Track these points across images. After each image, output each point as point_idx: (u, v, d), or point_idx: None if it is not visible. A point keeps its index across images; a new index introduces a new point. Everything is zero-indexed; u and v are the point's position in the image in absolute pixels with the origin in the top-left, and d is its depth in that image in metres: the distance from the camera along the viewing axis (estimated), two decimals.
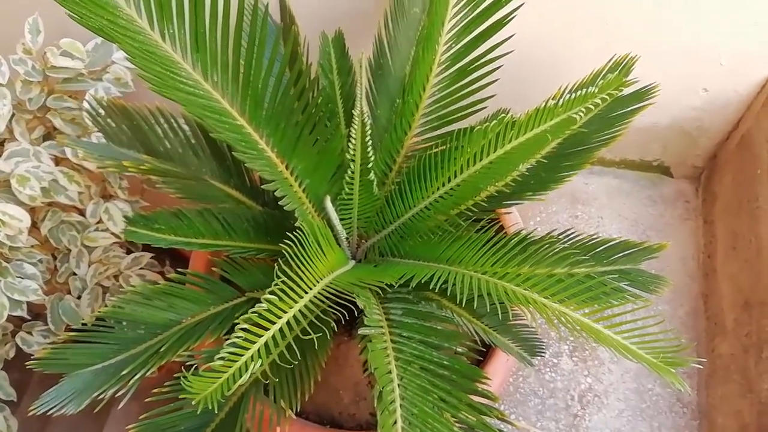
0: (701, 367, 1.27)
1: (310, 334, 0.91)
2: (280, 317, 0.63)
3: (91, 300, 1.24)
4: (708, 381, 1.28)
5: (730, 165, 1.36)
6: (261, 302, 0.62)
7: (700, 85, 1.26)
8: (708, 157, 1.45)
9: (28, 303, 1.13)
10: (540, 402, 1.26)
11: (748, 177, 1.25)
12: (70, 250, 1.21)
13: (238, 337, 0.58)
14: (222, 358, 0.57)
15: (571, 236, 0.91)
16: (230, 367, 0.57)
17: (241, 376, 0.57)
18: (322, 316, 0.93)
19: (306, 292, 0.69)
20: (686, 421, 1.25)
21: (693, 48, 1.17)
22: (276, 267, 0.66)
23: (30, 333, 1.22)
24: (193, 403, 0.57)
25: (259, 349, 0.59)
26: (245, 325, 0.59)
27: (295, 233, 0.73)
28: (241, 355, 0.58)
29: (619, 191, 1.50)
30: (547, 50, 1.19)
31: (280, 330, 0.63)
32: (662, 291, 0.91)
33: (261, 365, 0.59)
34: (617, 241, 0.90)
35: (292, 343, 0.72)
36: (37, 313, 1.25)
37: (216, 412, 0.90)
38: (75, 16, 0.61)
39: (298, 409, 0.88)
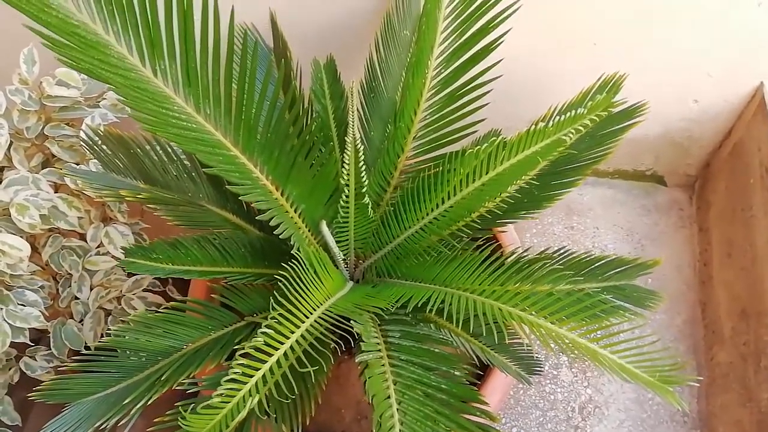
0: (700, 378, 1.27)
1: (311, 358, 0.92)
2: (277, 348, 0.64)
3: (94, 324, 1.25)
4: (708, 390, 1.29)
5: (723, 173, 1.37)
6: (259, 332, 0.63)
7: (690, 96, 1.27)
8: (701, 165, 1.46)
9: (30, 329, 1.14)
10: (541, 414, 1.27)
11: (741, 185, 1.26)
12: (71, 275, 1.22)
13: (236, 373, 0.59)
14: (220, 395, 0.58)
15: (566, 254, 0.92)
16: (228, 402, 0.58)
17: (239, 412, 0.58)
18: (322, 338, 0.94)
19: (303, 322, 0.70)
20: (687, 430, 1.26)
21: (681, 61, 1.18)
22: (272, 299, 0.66)
23: (33, 358, 1.23)
24: None
25: (257, 383, 0.60)
26: (242, 361, 0.60)
27: (290, 263, 0.74)
28: (239, 390, 0.59)
29: (614, 201, 1.51)
30: (536, 70, 1.21)
31: (278, 361, 0.64)
32: (657, 306, 0.92)
33: (258, 398, 0.59)
34: (611, 258, 0.91)
35: (292, 368, 0.73)
36: (41, 335, 1.26)
37: None
38: (66, 60, 0.62)
39: (300, 431, 0.88)
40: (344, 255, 1.00)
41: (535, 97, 1.21)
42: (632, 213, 1.49)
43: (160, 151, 1.01)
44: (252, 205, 1.03)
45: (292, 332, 0.67)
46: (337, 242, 0.96)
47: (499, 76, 0.88)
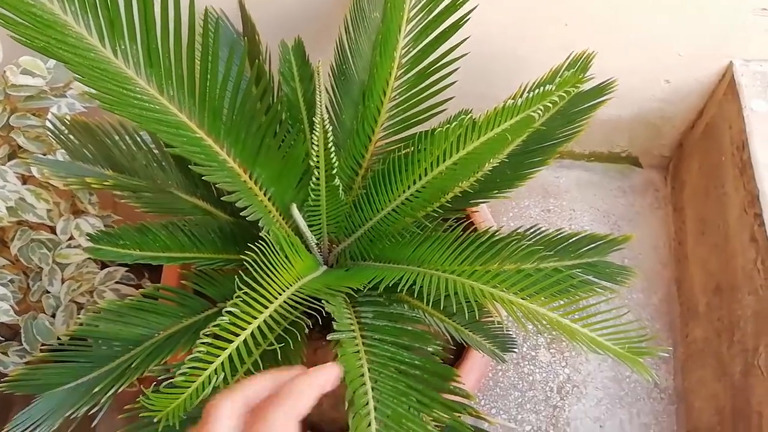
0: (669, 353, 1.29)
1: (282, 342, 0.92)
2: (244, 329, 0.63)
3: (66, 317, 1.23)
4: (684, 366, 1.30)
5: (696, 153, 1.38)
6: (224, 311, 0.62)
7: (661, 76, 1.28)
8: (674, 146, 1.47)
9: (1, 324, 1.12)
10: (520, 395, 1.27)
11: (714, 164, 1.27)
12: (41, 269, 1.20)
13: (200, 351, 0.58)
14: (184, 374, 0.57)
15: (538, 231, 0.92)
16: (192, 382, 0.57)
17: (204, 390, 0.57)
18: (294, 321, 0.93)
19: (271, 302, 0.69)
20: (664, 406, 1.27)
21: (652, 41, 1.19)
22: (237, 279, 0.65)
23: (5, 353, 1.20)
24: (155, 420, 0.57)
25: (222, 363, 0.59)
26: (207, 339, 0.59)
27: (258, 243, 0.73)
28: (204, 369, 0.58)
29: (589, 183, 1.52)
30: (505, 48, 1.20)
31: (245, 342, 0.63)
32: (628, 282, 0.92)
33: (225, 379, 0.59)
34: (583, 234, 0.92)
35: (263, 352, 0.72)
36: (14, 332, 1.24)
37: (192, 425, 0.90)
38: (20, 38, 0.60)
39: None
40: (317, 239, 0.99)
41: (506, 76, 1.21)
42: (608, 195, 1.50)
43: (128, 139, 1.00)
44: (220, 188, 1.03)
45: (260, 312, 0.67)
46: (309, 226, 0.95)
47: (467, 53, 0.88)
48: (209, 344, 0.59)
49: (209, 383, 0.57)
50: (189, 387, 0.57)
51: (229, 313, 0.62)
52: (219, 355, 0.59)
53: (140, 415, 0.59)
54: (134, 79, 0.71)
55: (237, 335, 0.62)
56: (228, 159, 0.81)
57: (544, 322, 0.73)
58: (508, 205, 1.49)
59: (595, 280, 0.90)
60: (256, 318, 0.66)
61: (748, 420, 1.03)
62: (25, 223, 1.18)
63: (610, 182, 1.52)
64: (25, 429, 0.83)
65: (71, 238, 1.21)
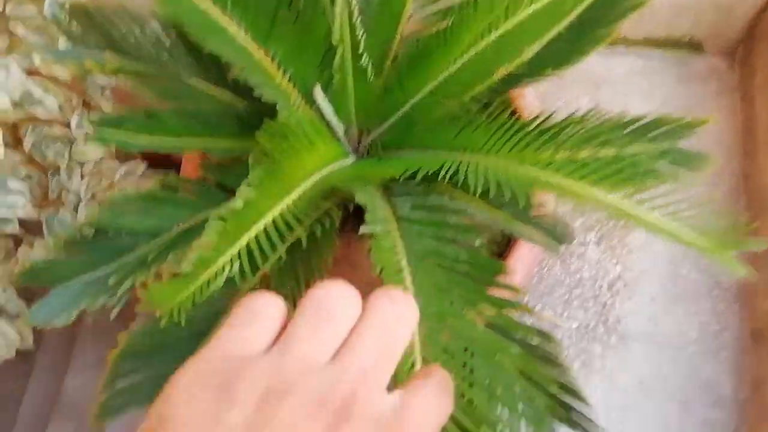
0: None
1: (314, 236, 0.84)
2: (262, 215, 0.54)
3: (87, 215, 1.18)
4: (750, 263, 1.20)
5: None
6: (237, 191, 0.53)
7: None
8: (745, 27, 1.30)
9: (26, 221, 1.08)
10: (567, 292, 1.19)
11: None
12: (59, 166, 1.15)
13: (210, 235, 0.50)
14: (192, 261, 0.49)
15: (598, 115, 0.80)
16: (203, 270, 0.49)
17: (216, 281, 0.49)
18: (325, 213, 0.85)
19: (293, 189, 0.60)
20: (726, 304, 1.17)
21: None
22: (251, 158, 0.56)
23: (31, 247, 1.17)
24: (158, 315, 0.50)
25: (239, 251, 0.51)
26: (219, 223, 0.50)
27: (276, 121, 0.63)
28: (217, 257, 0.50)
29: (645, 71, 1.36)
30: None
31: (265, 230, 0.54)
32: (706, 168, 0.81)
33: (241, 269, 0.51)
34: (651, 118, 0.79)
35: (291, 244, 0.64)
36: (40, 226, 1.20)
37: (216, 319, 0.84)
38: None
39: None
40: (345, 127, 0.89)
41: None
42: (666, 84, 1.35)
43: (130, 22, 0.89)
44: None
45: (281, 199, 0.58)
46: (335, 112, 0.85)
47: None
48: (221, 230, 0.51)
49: (222, 272, 0.49)
50: (198, 277, 0.49)
51: (243, 195, 0.53)
52: (235, 242, 0.51)
53: (137, 310, 0.52)
54: None
55: (254, 222, 0.54)
56: (238, 33, 0.71)
57: (613, 212, 0.63)
58: (553, 97, 1.36)
59: (666, 169, 0.78)
60: (276, 205, 0.57)
61: None
62: (36, 119, 1.11)
63: (669, 69, 1.36)
64: (44, 319, 0.78)
65: (87, 134, 1.14)
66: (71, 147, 1.12)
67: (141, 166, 1.22)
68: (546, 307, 1.18)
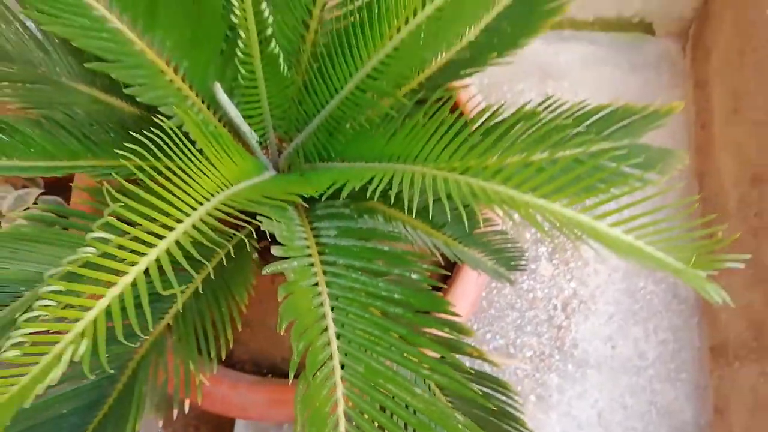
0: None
1: (220, 270, 0.70)
2: (123, 272, 0.40)
3: None
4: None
5: (727, 9, 1.13)
6: (87, 238, 0.39)
7: None
8: (697, 4, 1.22)
9: None
10: (519, 316, 1.08)
11: (754, 20, 1.03)
12: None
13: (46, 305, 0.35)
14: (19, 344, 0.35)
15: (554, 106, 0.68)
16: (38, 359, 0.34)
17: (53, 370, 0.34)
18: (236, 243, 0.71)
19: (178, 222, 0.46)
20: (684, 319, 1.09)
21: None
22: (105, 190, 0.42)
23: None
24: None
25: (84, 329, 0.36)
26: (58, 285, 0.36)
27: (153, 130, 0.49)
28: (52, 342, 0.35)
29: (594, 59, 1.27)
30: None
31: (135, 284, 0.40)
32: (677, 168, 0.70)
33: (94, 346, 0.36)
34: (614, 107, 0.68)
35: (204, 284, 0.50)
36: None
37: (111, 384, 0.70)
38: None
39: (216, 365, 0.67)
40: (260, 135, 0.75)
41: None
42: (616, 72, 1.26)
43: None
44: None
45: (160, 237, 0.43)
46: (246, 117, 0.71)
47: None
48: (62, 292, 0.36)
49: (62, 358, 0.35)
50: (29, 370, 0.34)
51: (99, 240, 0.39)
52: (78, 318, 0.36)
53: None
54: None
55: (121, 274, 0.39)
56: (109, 16, 0.55)
57: (574, 229, 0.51)
58: (499, 91, 1.25)
59: (629, 171, 0.68)
60: (151, 246, 0.43)
61: None
62: None
63: (619, 56, 1.27)
64: None
65: None
66: None
67: (34, 193, 1.05)
68: (497, 335, 1.06)
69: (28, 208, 1.08)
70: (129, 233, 0.43)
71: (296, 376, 0.84)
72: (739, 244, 1.03)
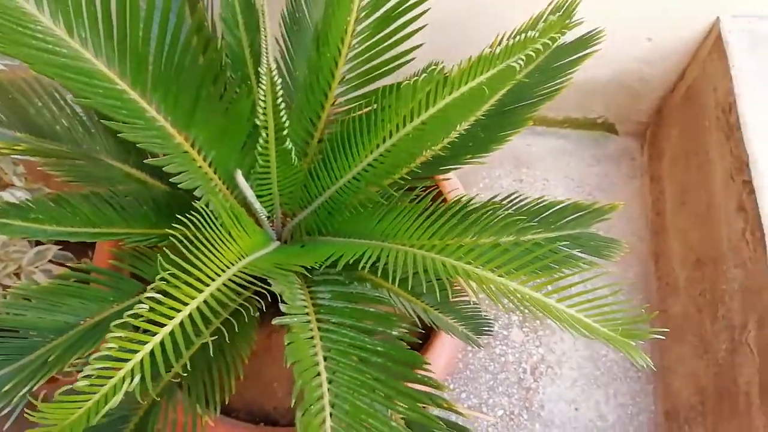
0: (666, 330, 1.21)
1: (228, 326, 0.81)
2: (171, 318, 0.52)
3: None
4: (662, 344, 1.24)
5: (676, 118, 1.30)
6: (143, 297, 0.50)
7: (643, 35, 1.19)
8: (653, 111, 1.39)
9: None
10: (491, 377, 1.19)
11: (696, 130, 1.19)
12: None
13: (110, 347, 0.47)
14: (88, 376, 0.46)
15: (516, 200, 0.82)
16: (99, 387, 0.46)
17: (114, 396, 0.46)
18: (244, 303, 0.82)
19: (206, 285, 0.58)
20: (641, 385, 1.20)
21: None
22: (160, 257, 0.54)
23: None
24: None
25: (142, 360, 0.48)
26: (120, 333, 0.47)
27: (191, 214, 0.61)
28: (116, 369, 0.47)
29: (563, 152, 1.43)
30: None
31: (172, 334, 0.52)
32: (616, 256, 0.84)
33: (143, 380, 0.48)
34: (566, 203, 0.82)
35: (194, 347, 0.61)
36: None
37: (122, 424, 0.79)
38: None
39: (218, 411, 0.77)
40: (268, 211, 0.87)
41: (480, 29, 1.10)
42: (582, 163, 1.42)
43: (47, 99, 0.86)
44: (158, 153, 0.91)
45: (191, 298, 0.55)
46: (259, 197, 0.84)
47: None
48: (122, 338, 0.48)
49: (121, 387, 0.46)
50: (94, 394, 0.45)
51: (151, 299, 0.51)
52: (137, 351, 0.48)
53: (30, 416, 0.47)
54: (34, 15, 0.58)
55: (162, 325, 0.51)
56: (157, 116, 0.69)
57: (527, 304, 0.63)
58: (478, 176, 1.40)
59: (580, 254, 0.81)
60: (186, 304, 0.55)
61: (734, 399, 0.96)
62: None
63: (585, 150, 1.43)
64: None
65: None
66: None
67: (52, 249, 1.16)
68: (471, 395, 1.17)
69: (48, 261, 1.19)
70: (161, 295, 0.55)
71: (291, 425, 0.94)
72: (687, 318, 1.16)
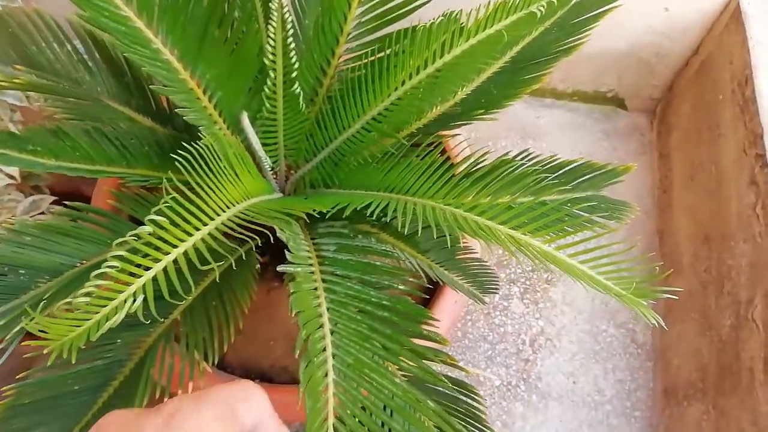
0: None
1: (227, 275, 0.79)
2: (174, 246, 0.50)
3: None
4: (664, 320, 1.22)
5: (688, 93, 1.28)
6: (146, 219, 0.48)
7: (661, 3, 1.16)
8: (665, 87, 1.37)
9: None
10: (490, 347, 1.18)
11: (709, 104, 1.17)
12: None
13: (111, 266, 0.45)
14: (87, 294, 0.44)
15: (528, 157, 0.80)
16: (102, 306, 0.44)
17: (114, 316, 0.43)
18: (243, 252, 0.80)
19: (211, 219, 0.56)
20: (641, 362, 1.19)
21: None
22: (165, 182, 0.52)
23: None
24: (45, 351, 0.43)
25: (144, 285, 0.46)
26: (121, 252, 0.45)
27: (196, 143, 0.59)
28: (118, 292, 0.44)
29: (572, 125, 1.41)
30: None
31: (176, 263, 0.49)
32: (626, 218, 0.82)
33: (145, 302, 0.45)
34: (579, 162, 0.80)
35: (208, 286, 0.59)
36: None
37: (119, 368, 0.77)
38: None
39: (217, 362, 0.75)
40: (272, 161, 0.85)
41: None
42: (591, 138, 1.40)
43: (47, 32, 0.83)
44: (161, 97, 0.88)
45: (196, 229, 0.53)
46: (263, 145, 0.81)
47: None
48: (124, 259, 0.45)
49: (123, 306, 0.44)
50: (97, 312, 0.43)
51: (153, 222, 0.48)
52: (140, 276, 0.46)
53: (24, 343, 0.45)
54: None
55: (166, 252, 0.49)
56: (162, 49, 0.66)
57: (540, 257, 0.61)
58: (483, 144, 1.37)
59: (587, 214, 0.79)
60: (190, 235, 0.52)
61: (737, 376, 0.95)
62: None
63: (594, 124, 1.41)
64: None
65: None
66: None
67: (47, 200, 1.14)
68: (468, 364, 1.16)
69: (42, 213, 1.16)
70: (165, 220, 0.52)
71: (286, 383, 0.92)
72: (690, 295, 1.14)
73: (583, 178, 0.82)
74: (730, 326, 1.00)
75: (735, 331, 0.98)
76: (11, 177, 1.06)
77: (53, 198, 1.19)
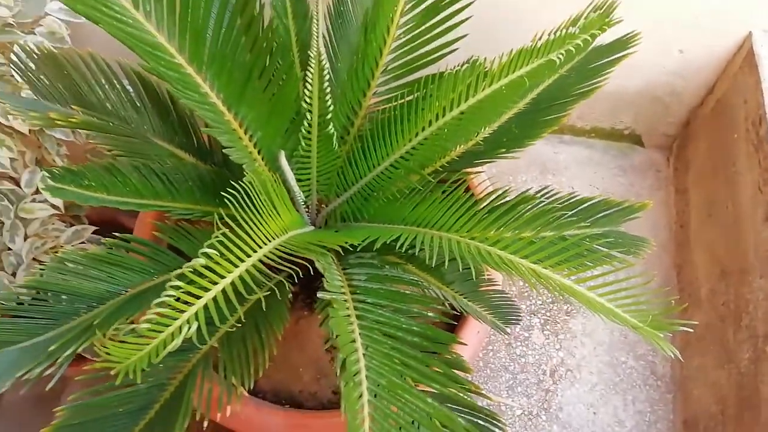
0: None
1: (263, 304, 0.83)
2: (223, 276, 0.54)
3: (28, 276, 1.13)
4: (682, 353, 1.24)
5: (704, 131, 1.32)
6: (200, 252, 0.53)
7: (675, 46, 1.21)
8: (681, 124, 1.41)
9: None
10: (511, 377, 1.20)
11: (724, 142, 1.21)
12: (2, 223, 1.10)
13: (169, 296, 0.49)
14: (150, 321, 0.48)
15: (549, 194, 0.84)
16: (160, 331, 0.48)
17: (173, 341, 0.48)
18: (276, 282, 0.85)
19: (254, 251, 0.60)
20: (660, 394, 1.21)
21: (670, 6, 1.11)
22: (216, 217, 0.57)
23: None
24: (112, 373, 0.48)
25: (197, 312, 0.50)
26: (178, 283, 0.50)
27: (242, 183, 0.64)
28: (174, 318, 0.49)
29: (589, 161, 1.45)
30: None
31: (224, 291, 0.54)
32: (643, 254, 0.85)
33: (199, 330, 0.50)
34: (597, 199, 0.84)
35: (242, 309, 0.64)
36: None
37: (159, 392, 0.82)
38: None
39: (251, 387, 0.79)
40: (305, 196, 0.90)
41: (520, 26, 1.13)
42: (608, 173, 1.44)
43: (98, 73, 0.90)
44: (202, 135, 0.94)
45: (241, 261, 0.58)
46: (297, 180, 0.86)
47: None
48: (180, 289, 0.50)
49: (179, 333, 0.48)
50: (157, 336, 0.48)
51: (206, 255, 0.53)
52: (192, 304, 0.50)
53: (90, 367, 0.50)
54: None
55: (214, 283, 0.54)
56: (210, 93, 0.72)
57: (560, 290, 0.65)
58: (505, 181, 1.42)
59: (606, 249, 0.83)
60: (236, 266, 0.57)
61: (757, 409, 0.97)
62: None
63: (611, 161, 1.45)
64: None
65: (37, 192, 1.11)
66: (17, 205, 1.09)
67: (89, 229, 1.20)
68: (491, 392, 1.18)
69: (83, 242, 1.22)
70: (215, 252, 0.57)
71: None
72: (709, 328, 1.16)
73: (601, 215, 0.85)
74: (749, 359, 1.01)
75: (753, 364, 1.00)
76: (56, 208, 1.13)
77: (94, 228, 1.25)
